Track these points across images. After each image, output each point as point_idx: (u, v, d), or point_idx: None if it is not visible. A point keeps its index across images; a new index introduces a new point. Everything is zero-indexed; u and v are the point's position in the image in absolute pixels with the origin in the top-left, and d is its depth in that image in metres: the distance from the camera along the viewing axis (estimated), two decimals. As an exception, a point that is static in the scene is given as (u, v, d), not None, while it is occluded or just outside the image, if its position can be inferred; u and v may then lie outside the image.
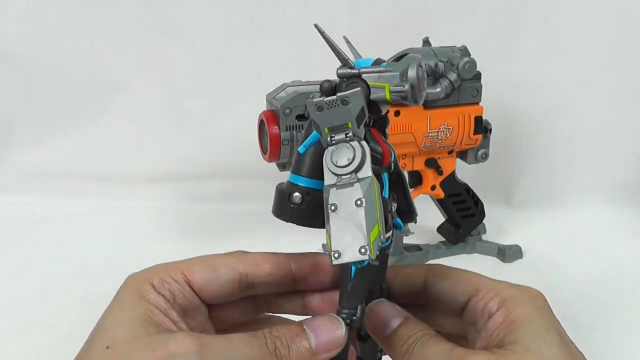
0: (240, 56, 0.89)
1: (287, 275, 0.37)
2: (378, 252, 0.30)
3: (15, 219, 0.87)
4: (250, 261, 0.36)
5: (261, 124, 0.65)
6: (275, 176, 0.68)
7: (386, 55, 0.67)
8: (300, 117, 0.62)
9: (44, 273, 0.71)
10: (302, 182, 0.34)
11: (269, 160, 0.64)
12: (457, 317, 0.37)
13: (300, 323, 0.33)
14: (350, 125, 0.32)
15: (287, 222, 0.35)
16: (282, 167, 0.65)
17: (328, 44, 0.33)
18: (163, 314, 0.33)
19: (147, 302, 0.33)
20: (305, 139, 0.34)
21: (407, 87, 0.32)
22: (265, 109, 0.65)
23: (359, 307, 0.34)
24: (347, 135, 0.32)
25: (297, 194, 0.34)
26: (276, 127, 0.62)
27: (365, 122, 0.32)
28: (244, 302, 0.38)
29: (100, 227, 0.85)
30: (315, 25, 0.34)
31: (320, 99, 0.32)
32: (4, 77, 0.92)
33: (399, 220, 0.36)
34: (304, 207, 0.34)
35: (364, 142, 0.32)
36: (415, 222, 0.36)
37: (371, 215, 0.30)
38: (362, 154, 0.31)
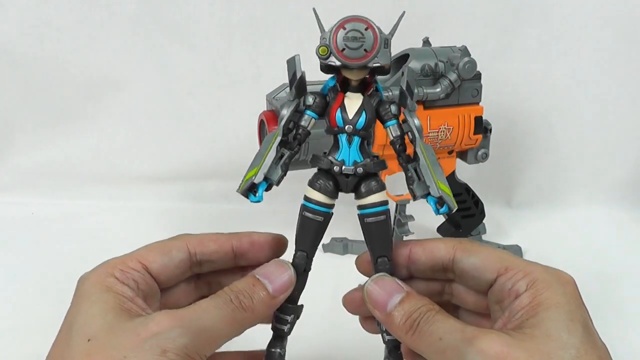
0: (240, 56, 0.89)
1: (228, 252, 0.40)
2: (244, 189, 0.38)
3: (15, 219, 0.87)
4: (196, 241, 0.39)
5: (261, 124, 0.65)
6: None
7: (386, 55, 0.67)
8: (300, 117, 0.62)
9: (44, 273, 0.71)
10: None
11: (269, 160, 0.64)
12: (483, 295, 0.37)
13: (252, 274, 0.37)
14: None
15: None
16: (282, 167, 0.65)
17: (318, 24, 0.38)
18: (131, 302, 0.34)
19: (114, 293, 0.34)
20: None
21: (317, 47, 0.36)
22: (265, 109, 0.65)
23: (299, 253, 0.38)
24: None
25: None
26: (276, 127, 0.62)
27: (303, 85, 0.38)
28: (188, 285, 0.41)
29: (100, 227, 0.85)
30: (314, 9, 0.39)
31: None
32: (3, 76, 0.92)
33: (432, 201, 0.39)
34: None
35: (292, 103, 0.38)
36: (451, 210, 0.38)
37: (256, 160, 0.37)
38: (283, 114, 0.38)
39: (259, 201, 0.38)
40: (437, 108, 0.66)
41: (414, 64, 0.64)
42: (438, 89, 0.64)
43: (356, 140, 0.38)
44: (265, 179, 0.38)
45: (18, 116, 0.94)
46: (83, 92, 0.92)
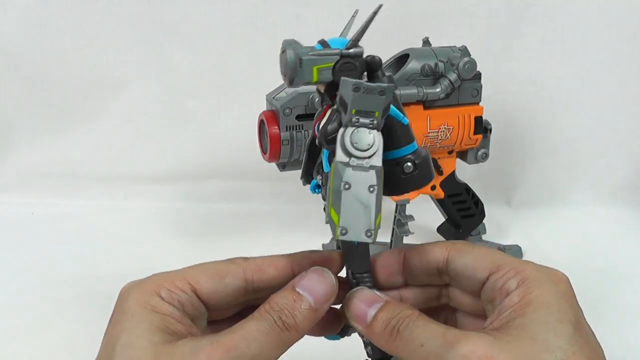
0: (240, 56, 0.89)
1: (289, 276, 0.37)
2: None
3: (15, 219, 0.87)
4: (253, 267, 0.37)
5: (261, 124, 0.65)
6: (276, 176, 0.69)
7: (386, 55, 0.67)
8: (300, 117, 0.62)
9: (44, 273, 0.71)
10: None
11: (269, 160, 0.64)
12: (477, 296, 0.37)
13: (292, 287, 0.35)
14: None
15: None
16: (282, 167, 0.65)
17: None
18: (178, 322, 0.33)
19: (161, 314, 0.33)
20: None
21: None
22: (265, 109, 0.65)
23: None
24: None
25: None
26: (276, 127, 0.62)
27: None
28: (241, 306, 0.39)
29: (100, 227, 0.85)
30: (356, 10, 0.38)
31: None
32: (3, 76, 0.92)
33: None
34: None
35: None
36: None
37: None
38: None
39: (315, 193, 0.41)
40: (437, 108, 0.66)
41: (414, 64, 0.64)
42: (438, 89, 0.64)
43: (325, 152, 0.38)
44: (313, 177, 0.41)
45: (18, 116, 0.94)
46: (83, 92, 0.92)
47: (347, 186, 0.33)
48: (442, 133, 0.66)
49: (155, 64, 0.91)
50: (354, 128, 0.34)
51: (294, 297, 0.34)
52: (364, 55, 0.36)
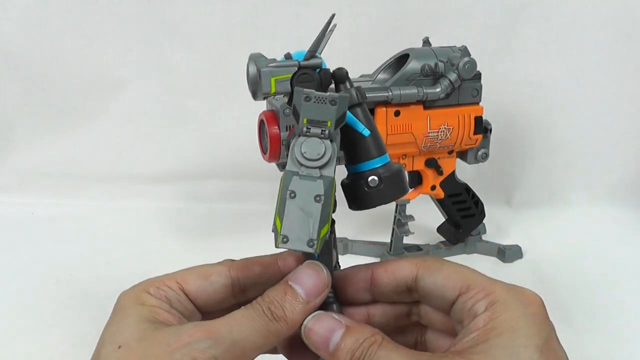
0: (240, 56, 0.89)
1: (275, 273, 0.38)
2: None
3: (15, 219, 0.87)
4: (239, 266, 0.37)
5: (261, 124, 0.65)
6: (276, 176, 0.68)
7: (386, 55, 0.67)
8: (301, 117, 0.62)
9: (44, 273, 0.71)
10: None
11: (269, 160, 0.64)
12: (448, 314, 0.36)
13: (286, 280, 0.35)
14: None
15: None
16: (282, 167, 0.65)
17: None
18: (165, 312, 0.34)
19: (149, 306, 0.34)
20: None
21: None
22: (265, 109, 0.65)
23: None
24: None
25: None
26: (276, 127, 0.62)
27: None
28: (233, 308, 0.39)
29: (100, 227, 0.85)
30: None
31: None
32: (3, 76, 0.92)
33: None
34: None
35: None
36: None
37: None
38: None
39: None
40: (437, 108, 0.66)
41: (414, 64, 0.64)
42: (438, 89, 0.64)
43: None
44: None
45: (18, 116, 0.94)
46: (83, 92, 0.92)
47: (292, 194, 0.33)
48: (442, 133, 0.66)
49: (155, 64, 0.91)
50: (305, 138, 0.34)
51: (285, 290, 0.34)
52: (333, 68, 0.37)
